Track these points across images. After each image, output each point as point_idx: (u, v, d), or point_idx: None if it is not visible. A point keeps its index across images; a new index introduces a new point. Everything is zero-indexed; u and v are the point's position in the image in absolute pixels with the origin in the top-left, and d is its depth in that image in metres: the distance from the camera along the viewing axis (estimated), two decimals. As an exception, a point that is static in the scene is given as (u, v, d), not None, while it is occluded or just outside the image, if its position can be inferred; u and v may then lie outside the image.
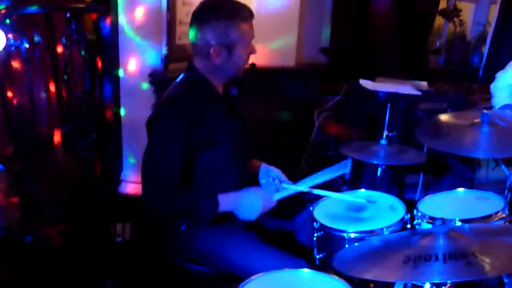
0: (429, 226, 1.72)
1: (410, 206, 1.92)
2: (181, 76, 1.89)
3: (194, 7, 2.83)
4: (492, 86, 2.82)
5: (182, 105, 1.76)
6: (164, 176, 1.73)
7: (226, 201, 1.77)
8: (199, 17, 1.77)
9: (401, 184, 3.01)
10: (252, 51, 1.84)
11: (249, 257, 1.76)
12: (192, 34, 1.80)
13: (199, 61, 1.82)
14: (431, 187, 3.04)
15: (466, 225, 1.54)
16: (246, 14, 1.77)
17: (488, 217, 1.70)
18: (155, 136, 1.78)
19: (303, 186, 1.90)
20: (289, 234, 2.06)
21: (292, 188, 1.91)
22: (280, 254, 1.77)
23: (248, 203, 1.77)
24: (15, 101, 2.15)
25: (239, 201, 1.78)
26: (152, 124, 1.79)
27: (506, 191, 2.02)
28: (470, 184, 3.05)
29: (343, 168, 1.92)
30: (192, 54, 1.85)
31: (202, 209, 1.74)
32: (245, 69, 1.87)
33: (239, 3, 1.80)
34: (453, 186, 2.11)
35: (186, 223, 1.86)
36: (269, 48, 3.24)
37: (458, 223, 1.66)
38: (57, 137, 2.45)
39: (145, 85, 2.68)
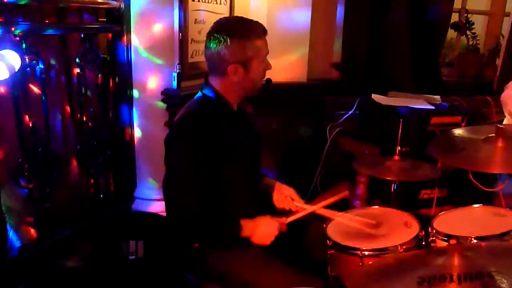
0: (444, 243, 1.69)
1: (425, 221, 1.90)
2: (198, 93, 1.91)
3: (206, 25, 2.88)
4: (504, 95, 2.73)
5: (201, 122, 1.78)
6: (188, 194, 1.73)
7: (246, 227, 1.79)
8: (214, 36, 1.78)
9: (416, 199, 2.97)
10: (267, 67, 1.87)
11: (262, 275, 1.75)
12: (208, 53, 1.82)
13: (215, 79, 1.85)
14: (447, 202, 3.00)
15: (482, 244, 1.51)
16: (260, 30, 1.81)
17: (505, 234, 1.66)
18: (175, 153, 1.78)
19: (313, 207, 1.93)
20: (303, 251, 2.05)
21: (303, 207, 1.94)
22: (294, 271, 1.77)
23: (264, 230, 1.81)
24: (30, 121, 2.18)
25: (257, 228, 1.81)
26: (172, 141, 1.80)
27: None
28: (487, 198, 3.00)
29: (343, 192, 1.97)
30: (208, 72, 1.87)
31: (225, 233, 1.77)
32: (261, 85, 1.90)
33: (252, 20, 1.83)
34: (469, 201, 2.07)
35: (206, 243, 1.86)
36: (281, 64, 3.26)
37: (474, 241, 1.63)
38: (71, 155, 2.48)
39: (158, 103, 2.70)
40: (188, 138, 1.76)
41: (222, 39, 1.75)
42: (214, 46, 1.77)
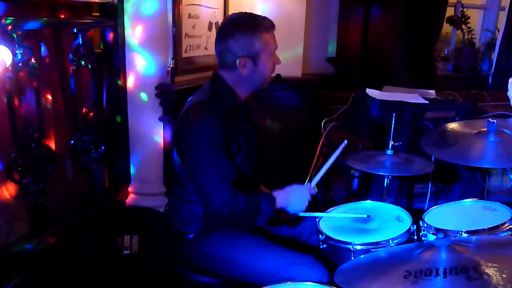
0: (434, 238, 1.70)
1: (419, 215, 1.91)
2: (205, 85, 1.93)
3: (200, 20, 2.87)
4: None
5: (216, 111, 1.79)
6: (224, 188, 1.74)
7: (280, 199, 1.84)
8: (223, 31, 1.83)
9: (410, 193, 2.98)
10: (276, 61, 1.90)
11: (258, 256, 1.78)
12: (218, 48, 1.86)
13: (225, 72, 1.87)
14: (441, 196, 3.01)
15: (470, 238, 1.52)
16: (267, 24, 1.84)
17: (494, 228, 1.68)
18: (200, 141, 1.77)
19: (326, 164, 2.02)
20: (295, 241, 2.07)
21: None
22: (288, 251, 1.80)
23: (298, 196, 1.87)
24: (23, 115, 2.18)
25: (290, 197, 1.86)
26: (191, 130, 1.78)
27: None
28: (480, 192, 3.02)
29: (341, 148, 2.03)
30: (218, 66, 1.90)
31: (263, 210, 1.79)
32: (270, 80, 1.92)
33: (260, 15, 1.87)
34: (463, 195, 2.08)
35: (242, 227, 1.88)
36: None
37: (464, 235, 1.64)
38: (65, 149, 2.48)
39: (152, 98, 2.70)
40: (210, 122, 1.76)
41: (230, 33, 1.80)
42: (223, 40, 1.82)
